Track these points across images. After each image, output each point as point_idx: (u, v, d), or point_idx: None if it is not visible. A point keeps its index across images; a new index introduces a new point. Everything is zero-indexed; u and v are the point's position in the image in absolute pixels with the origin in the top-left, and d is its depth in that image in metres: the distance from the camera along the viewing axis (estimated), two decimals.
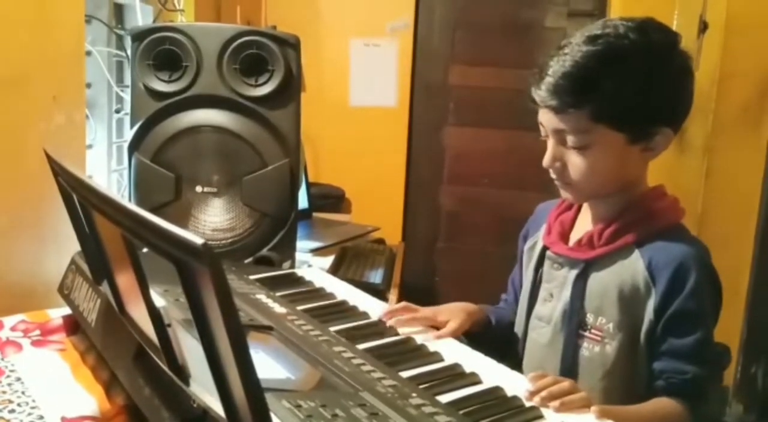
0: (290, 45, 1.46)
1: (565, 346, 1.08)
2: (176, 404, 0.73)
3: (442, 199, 3.15)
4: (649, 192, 1.11)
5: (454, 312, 1.15)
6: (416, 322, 1.11)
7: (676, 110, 1.06)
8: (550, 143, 1.07)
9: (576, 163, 1.05)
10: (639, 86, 1.00)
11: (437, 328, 1.11)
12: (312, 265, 1.68)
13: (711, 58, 2.56)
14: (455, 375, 0.92)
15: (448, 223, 3.14)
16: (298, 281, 1.33)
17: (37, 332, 1.09)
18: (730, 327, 2.55)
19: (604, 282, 1.06)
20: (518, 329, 1.20)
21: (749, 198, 2.61)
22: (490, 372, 0.94)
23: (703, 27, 2.54)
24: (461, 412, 0.80)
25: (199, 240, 0.49)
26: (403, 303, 1.15)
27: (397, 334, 1.07)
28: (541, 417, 0.84)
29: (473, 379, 0.91)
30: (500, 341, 1.22)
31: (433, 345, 1.02)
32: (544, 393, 0.86)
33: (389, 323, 1.10)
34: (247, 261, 1.45)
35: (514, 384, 0.90)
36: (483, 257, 2.91)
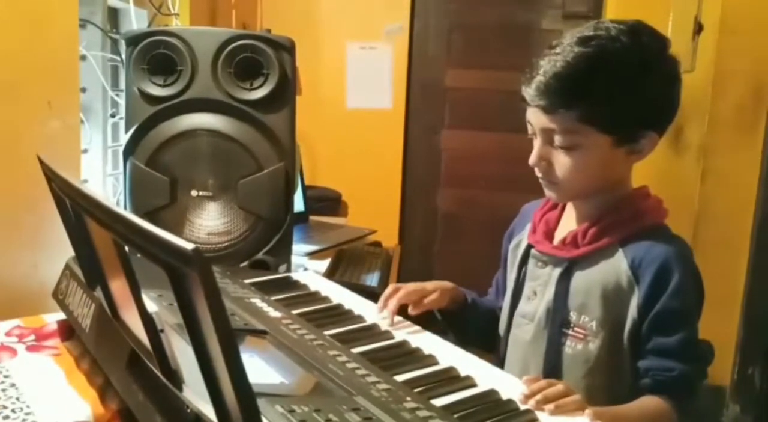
0: (285, 48, 1.46)
1: (549, 344, 1.09)
2: (170, 409, 0.73)
3: (438, 201, 3.15)
4: (633, 193, 1.12)
5: (437, 285, 1.23)
6: (408, 297, 1.18)
7: (663, 114, 1.07)
8: (537, 142, 1.08)
9: (562, 163, 1.06)
10: (629, 90, 1.01)
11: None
12: (308, 268, 1.68)
13: (706, 59, 2.57)
14: (450, 379, 0.92)
15: (445, 225, 3.15)
16: (293, 285, 1.33)
17: (32, 337, 1.08)
18: (726, 328, 2.55)
19: (588, 281, 1.07)
20: (501, 326, 1.21)
21: (745, 198, 2.62)
22: (485, 375, 0.94)
23: (698, 28, 2.54)
24: (456, 416, 0.80)
25: (189, 246, 0.49)
26: (391, 286, 1.20)
27: (392, 338, 1.07)
28: (535, 420, 0.84)
29: (468, 382, 0.91)
30: (475, 321, 1.27)
31: (427, 348, 1.02)
32: (538, 396, 0.86)
33: (390, 306, 1.15)
34: (242, 265, 1.45)
35: (509, 387, 0.90)
36: (479, 259, 2.90)
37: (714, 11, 2.54)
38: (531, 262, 1.16)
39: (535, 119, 1.06)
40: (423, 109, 3.08)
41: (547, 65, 1.02)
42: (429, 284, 1.22)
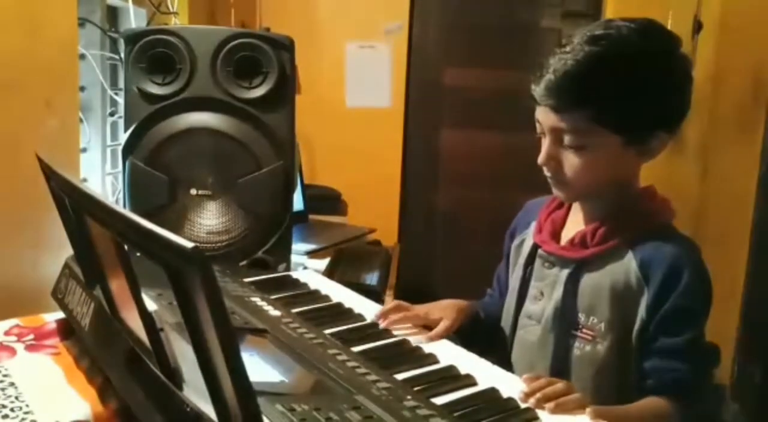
0: (284, 47, 1.45)
1: (557, 345, 1.09)
2: (169, 408, 0.73)
3: (437, 200, 3.15)
4: (641, 192, 1.12)
5: (446, 310, 1.16)
6: (409, 321, 1.12)
7: (674, 115, 1.06)
8: (546, 141, 1.07)
9: (572, 162, 1.05)
10: (639, 90, 1.00)
11: (430, 327, 1.12)
12: (307, 267, 1.68)
13: (705, 58, 2.57)
14: (450, 377, 0.92)
15: (444, 224, 3.15)
16: (293, 283, 1.33)
17: (31, 336, 1.08)
18: (726, 327, 2.55)
19: (597, 282, 1.07)
20: (506, 326, 1.21)
21: (745, 197, 2.62)
22: (486, 374, 0.94)
23: (698, 27, 2.54)
24: (456, 414, 0.80)
25: (189, 244, 0.48)
26: (395, 302, 1.17)
27: (392, 336, 1.06)
28: (536, 418, 0.84)
29: (468, 381, 0.91)
30: (489, 335, 1.24)
31: (427, 347, 1.02)
32: (539, 395, 0.86)
33: (383, 325, 1.11)
34: (242, 264, 1.45)
35: (510, 385, 0.90)
36: (479, 258, 2.90)
37: (713, 10, 2.54)
38: (537, 262, 1.15)
39: (545, 118, 1.05)
40: (422, 108, 3.08)
41: (557, 64, 1.02)
42: (435, 311, 1.15)
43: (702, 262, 1.06)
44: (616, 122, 1.02)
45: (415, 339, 1.05)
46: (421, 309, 1.16)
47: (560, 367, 1.08)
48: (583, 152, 1.04)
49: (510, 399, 0.86)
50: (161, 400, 0.75)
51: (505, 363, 1.15)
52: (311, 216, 2.50)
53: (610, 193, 1.09)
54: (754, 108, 2.60)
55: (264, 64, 1.44)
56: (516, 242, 1.23)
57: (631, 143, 1.04)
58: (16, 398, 0.88)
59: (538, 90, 1.04)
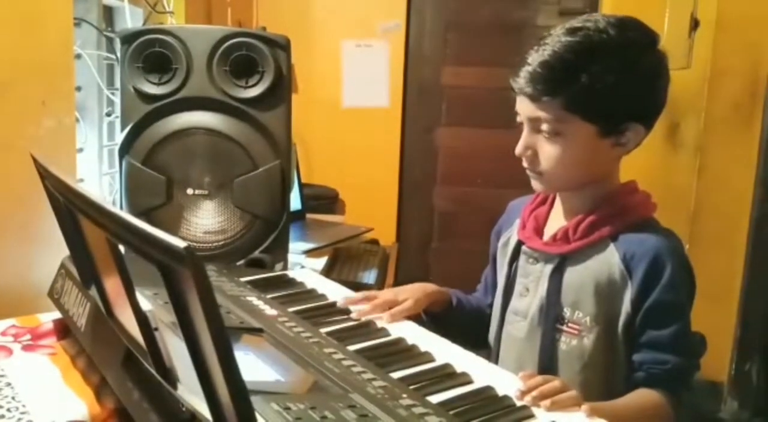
0: (280, 46, 1.45)
1: (543, 340, 1.10)
2: (165, 407, 0.73)
3: (435, 199, 3.15)
4: (621, 187, 1.13)
5: (414, 292, 1.19)
6: (377, 309, 1.13)
7: (647, 107, 1.08)
8: (524, 131, 1.09)
9: (547, 151, 1.06)
10: (612, 80, 1.02)
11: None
12: (304, 266, 1.68)
13: (702, 55, 2.57)
14: (446, 375, 0.92)
15: (442, 223, 3.15)
16: (289, 282, 1.33)
17: (28, 336, 1.08)
18: (723, 324, 2.56)
19: (581, 276, 1.08)
20: (493, 323, 1.22)
21: (742, 195, 2.62)
22: (481, 372, 0.94)
23: (695, 24, 2.54)
24: (452, 412, 0.80)
25: (181, 244, 0.49)
26: (363, 293, 1.19)
27: (388, 335, 1.06)
28: (532, 416, 0.84)
29: (464, 379, 0.91)
30: (462, 322, 1.26)
31: (423, 345, 1.02)
32: (534, 393, 0.86)
33: (354, 315, 1.13)
34: (239, 264, 1.45)
35: (505, 383, 0.90)
36: (476, 257, 2.90)
37: (710, 8, 2.55)
38: (522, 258, 1.16)
39: (523, 108, 1.07)
40: (419, 107, 3.08)
41: (536, 55, 1.04)
42: (402, 293, 1.18)
43: (684, 254, 1.07)
44: (590, 111, 1.03)
45: (413, 337, 1.05)
46: (388, 294, 1.18)
47: (547, 362, 1.09)
48: (558, 140, 1.05)
49: (505, 397, 0.86)
50: (157, 400, 0.75)
51: (486, 351, 1.18)
52: (309, 215, 2.50)
53: (590, 187, 1.10)
54: (751, 105, 2.60)
55: (260, 64, 1.43)
56: (502, 241, 1.25)
57: (605, 134, 1.05)
58: (13, 398, 0.88)
59: (517, 80, 1.06)
